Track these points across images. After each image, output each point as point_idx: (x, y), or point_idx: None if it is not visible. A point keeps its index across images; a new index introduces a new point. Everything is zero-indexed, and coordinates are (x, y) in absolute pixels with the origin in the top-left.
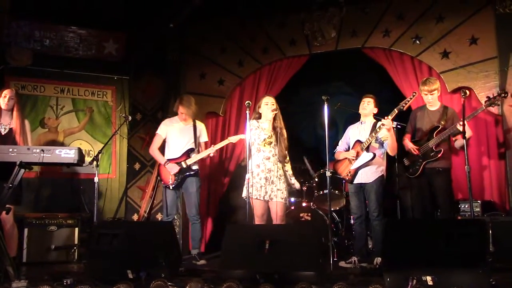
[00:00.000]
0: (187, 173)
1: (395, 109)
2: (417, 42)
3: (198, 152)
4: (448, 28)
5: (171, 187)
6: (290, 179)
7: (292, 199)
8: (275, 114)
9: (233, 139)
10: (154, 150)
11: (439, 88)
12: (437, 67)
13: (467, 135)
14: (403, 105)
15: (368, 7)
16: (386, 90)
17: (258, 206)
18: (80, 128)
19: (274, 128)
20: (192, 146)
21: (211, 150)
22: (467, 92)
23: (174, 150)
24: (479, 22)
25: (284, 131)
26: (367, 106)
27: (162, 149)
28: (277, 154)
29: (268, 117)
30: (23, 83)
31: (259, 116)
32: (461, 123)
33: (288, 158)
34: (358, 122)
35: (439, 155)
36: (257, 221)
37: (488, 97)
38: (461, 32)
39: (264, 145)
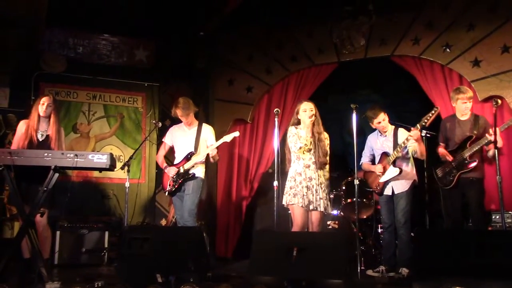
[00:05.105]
0: (185, 178)
1: (418, 125)
2: (448, 50)
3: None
4: (479, 37)
5: (166, 193)
6: None
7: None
8: (314, 120)
9: (227, 138)
10: (158, 157)
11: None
12: (468, 75)
13: (499, 144)
14: (425, 121)
15: (397, 15)
16: (414, 98)
17: (299, 215)
18: (111, 134)
19: (313, 134)
20: (193, 150)
21: (208, 151)
22: (499, 101)
23: (178, 155)
24: (511, 30)
25: (323, 136)
26: (384, 123)
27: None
28: (316, 161)
29: (306, 123)
30: (57, 89)
31: (298, 122)
32: (491, 132)
33: (327, 166)
34: (377, 133)
35: (474, 165)
36: (296, 230)
37: None
38: (493, 41)
39: (303, 153)
